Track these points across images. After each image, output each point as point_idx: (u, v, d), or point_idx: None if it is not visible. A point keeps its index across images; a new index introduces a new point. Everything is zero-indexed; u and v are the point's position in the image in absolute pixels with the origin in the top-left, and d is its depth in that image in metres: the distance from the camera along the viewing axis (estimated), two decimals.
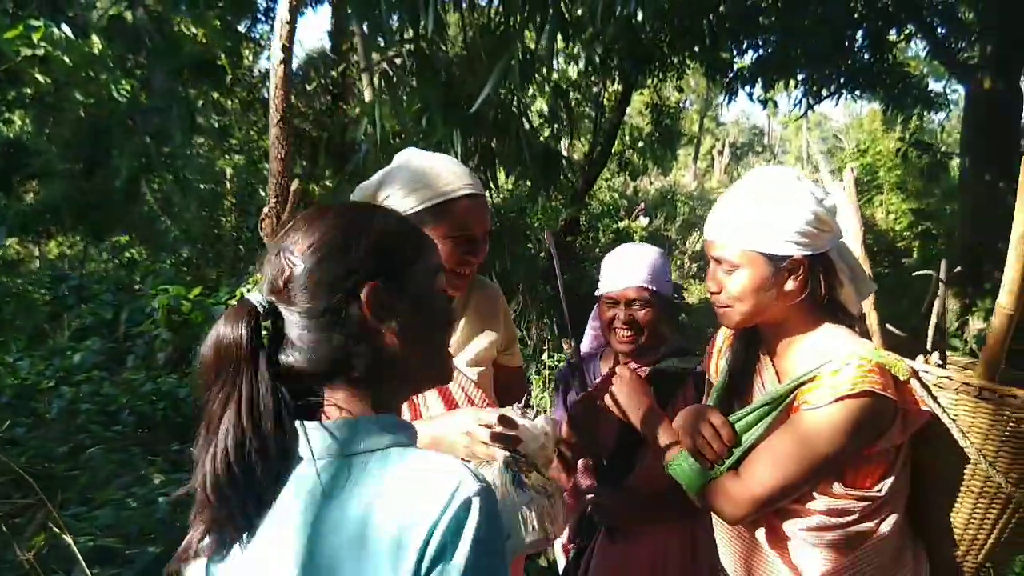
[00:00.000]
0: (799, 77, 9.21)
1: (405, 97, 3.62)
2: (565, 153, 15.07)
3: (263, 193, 11.49)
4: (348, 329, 1.17)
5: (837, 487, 1.92)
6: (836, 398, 1.81)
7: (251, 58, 13.09)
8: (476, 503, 1.07)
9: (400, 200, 2.04)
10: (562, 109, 4.42)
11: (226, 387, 1.12)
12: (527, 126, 4.28)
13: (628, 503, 2.56)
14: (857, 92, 9.58)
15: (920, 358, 2.12)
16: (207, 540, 1.13)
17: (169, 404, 5.69)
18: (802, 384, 1.90)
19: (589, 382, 2.68)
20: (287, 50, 2.56)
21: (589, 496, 2.58)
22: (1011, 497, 1.91)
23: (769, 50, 8.95)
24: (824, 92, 9.40)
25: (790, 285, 1.92)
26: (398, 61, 3.51)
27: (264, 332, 1.16)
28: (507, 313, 2.43)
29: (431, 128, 3.53)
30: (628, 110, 16.56)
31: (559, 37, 3.78)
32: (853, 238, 2.50)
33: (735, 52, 9.19)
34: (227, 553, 1.13)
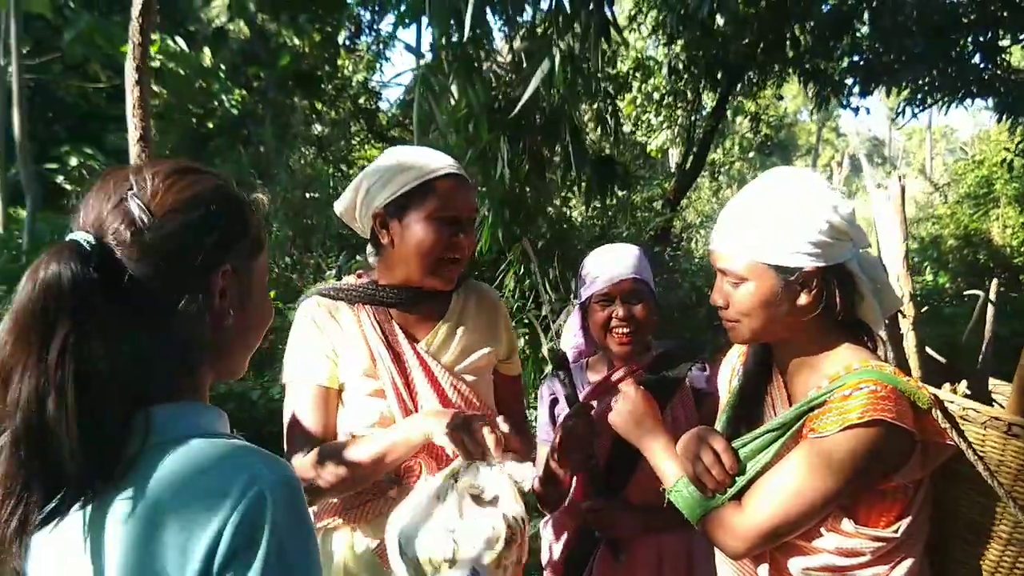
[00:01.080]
0: (901, 84, 8.75)
1: (451, 103, 3.60)
2: (674, 161, 14.82)
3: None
4: (190, 308, 1.09)
5: (848, 524, 1.75)
6: (844, 427, 1.65)
7: (350, 69, 13.39)
8: (271, 498, 1.00)
9: (381, 188, 2.03)
10: (610, 115, 4.28)
11: (37, 344, 0.98)
12: (577, 131, 4.18)
13: (627, 513, 2.46)
14: (968, 100, 9.08)
15: (947, 386, 1.92)
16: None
17: (236, 405, 5.77)
18: (812, 409, 1.74)
19: (579, 391, 2.60)
20: (141, 71, 2.60)
21: (586, 507, 2.48)
22: None
23: (866, 56, 8.56)
24: (929, 100, 8.94)
25: (803, 300, 1.76)
26: (436, 67, 3.49)
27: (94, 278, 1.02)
28: (507, 320, 2.36)
29: (477, 133, 3.50)
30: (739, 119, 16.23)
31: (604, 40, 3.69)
32: (896, 253, 2.32)
33: (829, 59, 8.81)
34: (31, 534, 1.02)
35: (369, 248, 2.17)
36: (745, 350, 2.09)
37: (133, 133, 2.69)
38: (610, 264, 2.50)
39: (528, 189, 4.01)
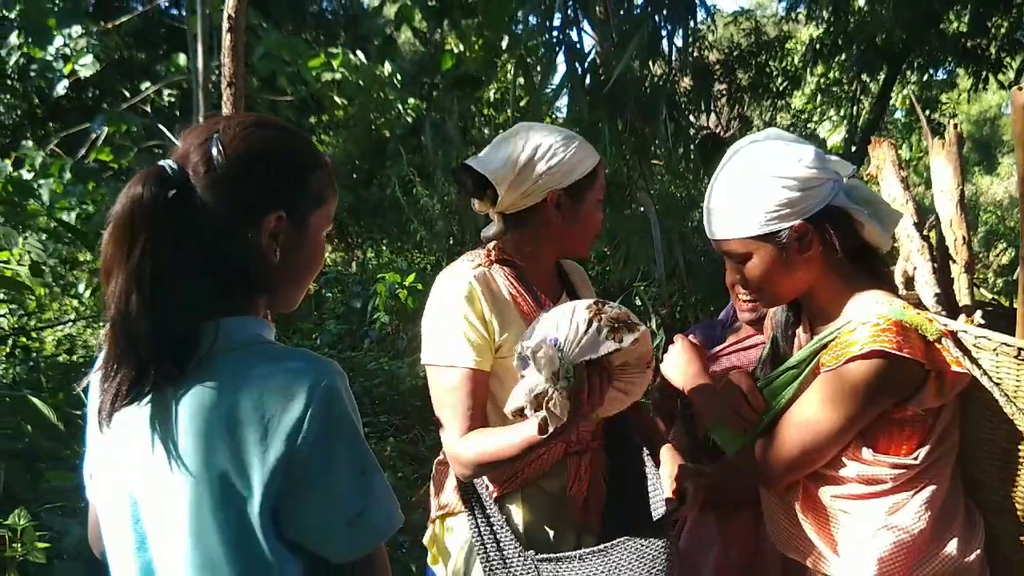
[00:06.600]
0: None
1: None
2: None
3: None
4: (242, 239, 1.29)
5: (867, 453, 1.83)
6: (846, 359, 1.75)
7: (512, 72, 13.64)
8: (335, 390, 1.23)
9: (566, 171, 2.06)
10: (702, 92, 4.26)
11: (126, 249, 1.20)
12: (678, 108, 4.21)
13: (726, 477, 2.43)
14: None
15: (962, 317, 1.94)
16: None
17: (385, 380, 6.16)
18: (825, 346, 1.84)
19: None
20: (232, 19, 2.79)
21: (694, 469, 2.46)
22: None
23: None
24: None
25: (804, 253, 1.84)
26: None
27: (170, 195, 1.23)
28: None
29: (578, 112, 3.63)
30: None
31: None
32: (950, 197, 2.32)
33: (988, 37, 8.20)
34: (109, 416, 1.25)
35: (497, 223, 2.14)
36: None
37: (224, 80, 2.95)
38: None
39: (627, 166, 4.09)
